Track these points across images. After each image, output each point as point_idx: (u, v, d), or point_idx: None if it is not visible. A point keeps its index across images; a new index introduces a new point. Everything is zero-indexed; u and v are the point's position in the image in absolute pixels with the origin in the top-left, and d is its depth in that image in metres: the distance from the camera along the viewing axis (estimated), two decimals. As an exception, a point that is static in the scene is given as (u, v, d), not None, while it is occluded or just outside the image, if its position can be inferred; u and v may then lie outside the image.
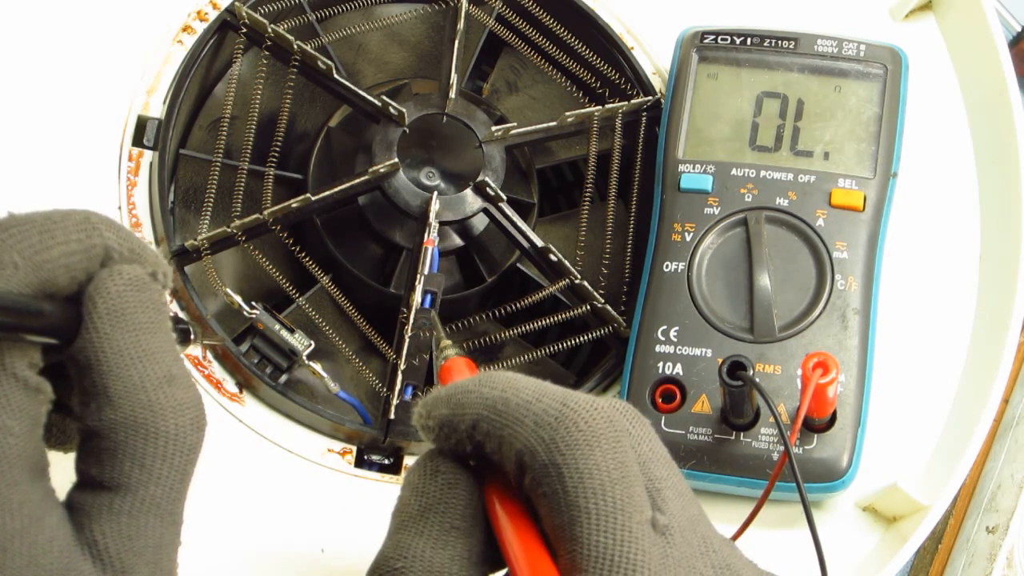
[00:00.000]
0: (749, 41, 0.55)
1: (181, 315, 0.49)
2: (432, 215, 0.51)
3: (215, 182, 0.51)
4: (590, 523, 0.30)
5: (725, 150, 0.53)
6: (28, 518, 0.29)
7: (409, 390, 0.49)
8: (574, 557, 0.30)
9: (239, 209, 0.51)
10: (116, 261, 0.31)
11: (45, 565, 0.29)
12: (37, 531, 0.29)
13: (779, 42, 0.55)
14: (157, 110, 0.52)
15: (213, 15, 0.54)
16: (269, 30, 0.53)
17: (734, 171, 0.53)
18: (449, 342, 0.40)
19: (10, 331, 0.28)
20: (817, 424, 0.48)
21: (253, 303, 0.49)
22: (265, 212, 0.50)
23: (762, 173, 0.52)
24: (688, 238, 0.52)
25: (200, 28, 0.54)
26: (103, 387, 0.30)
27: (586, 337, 0.53)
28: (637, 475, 0.31)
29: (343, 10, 0.57)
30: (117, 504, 0.30)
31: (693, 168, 0.53)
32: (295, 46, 0.53)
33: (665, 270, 0.51)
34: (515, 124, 0.55)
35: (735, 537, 0.42)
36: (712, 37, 0.55)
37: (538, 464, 0.30)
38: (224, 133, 0.52)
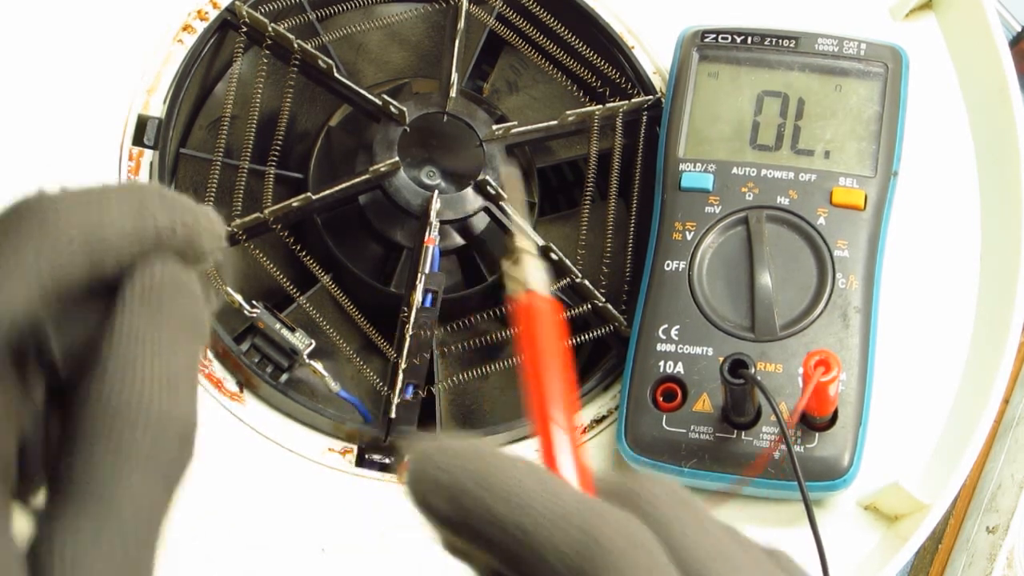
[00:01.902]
0: (750, 40, 0.55)
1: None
2: (433, 214, 0.51)
3: (215, 181, 0.51)
4: None
5: (726, 149, 0.53)
6: None
7: (410, 389, 0.49)
8: None
9: (240, 208, 0.51)
10: (164, 248, 0.27)
11: None
12: None
13: (780, 41, 0.55)
14: (157, 109, 0.52)
15: (213, 14, 0.54)
16: (269, 29, 0.53)
17: (735, 170, 0.53)
18: (526, 244, 0.31)
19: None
20: (818, 423, 0.48)
21: (254, 302, 0.49)
22: (266, 211, 0.50)
23: (763, 172, 0.52)
24: (689, 237, 0.52)
25: (200, 27, 0.54)
26: (102, 377, 0.25)
27: (587, 336, 0.53)
28: None
29: (343, 9, 0.57)
30: (79, 523, 0.24)
31: (694, 167, 0.53)
32: (295, 45, 0.53)
33: (666, 269, 0.51)
34: (516, 123, 0.55)
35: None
36: (713, 36, 0.55)
37: None
38: (224, 132, 0.52)
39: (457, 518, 0.27)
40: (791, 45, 0.55)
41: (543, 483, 0.27)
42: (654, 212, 0.53)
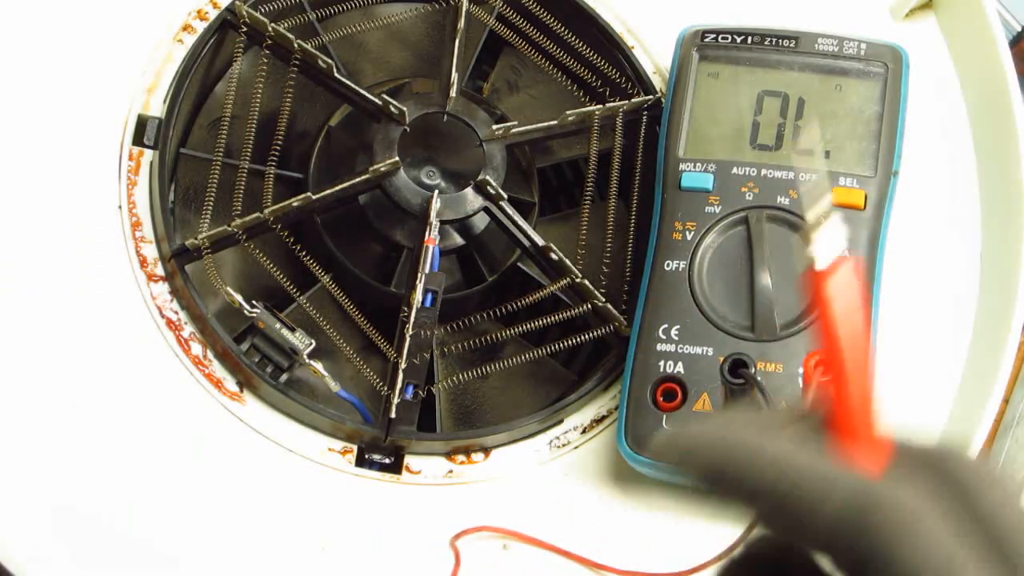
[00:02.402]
0: (750, 40, 0.55)
1: (182, 317, 0.49)
2: (433, 214, 0.51)
3: (215, 181, 0.51)
4: None
5: (726, 149, 0.53)
6: None
7: (410, 389, 0.49)
8: None
9: (240, 208, 0.51)
10: None
11: None
12: None
13: (780, 41, 0.55)
14: (157, 109, 0.52)
15: (213, 14, 0.54)
16: (269, 29, 0.53)
17: (735, 170, 0.53)
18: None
19: None
20: None
21: (254, 302, 0.49)
22: (266, 211, 0.50)
23: (763, 172, 0.52)
24: (689, 237, 0.52)
25: (200, 27, 0.54)
26: None
27: (587, 336, 0.53)
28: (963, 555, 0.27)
29: (343, 9, 0.57)
30: None
31: (694, 167, 0.53)
32: (295, 45, 0.53)
33: (666, 269, 0.51)
34: (516, 123, 0.55)
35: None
36: (713, 36, 0.55)
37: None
38: (224, 132, 0.52)
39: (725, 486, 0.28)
40: (791, 45, 0.55)
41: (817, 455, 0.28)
42: (654, 212, 0.53)
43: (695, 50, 0.55)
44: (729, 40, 0.55)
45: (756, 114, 0.54)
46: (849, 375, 0.30)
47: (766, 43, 0.55)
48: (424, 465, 0.50)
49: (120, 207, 0.50)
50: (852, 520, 0.26)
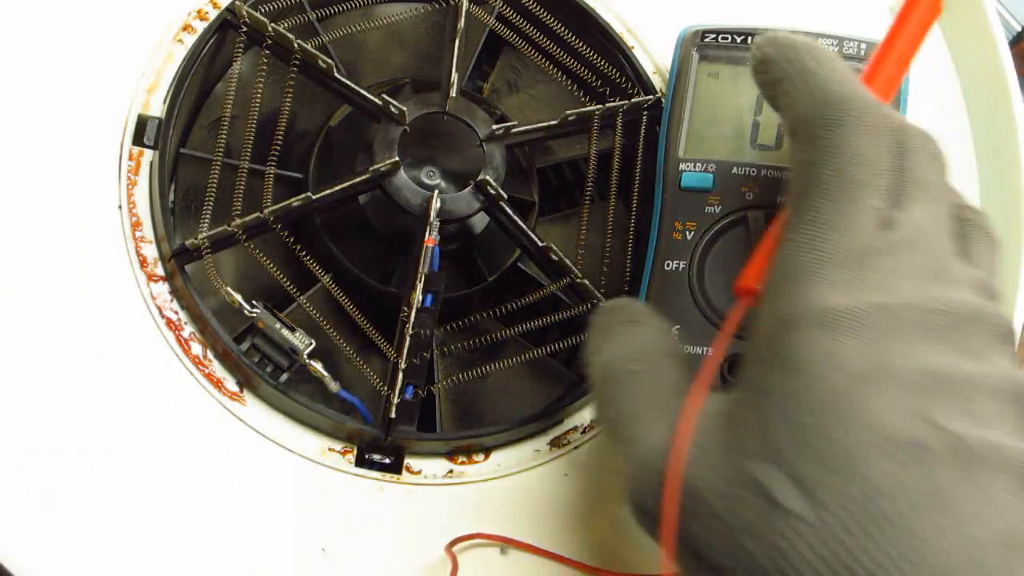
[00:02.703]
0: (750, 40, 0.55)
1: (183, 316, 0.49)
2: (433, 214, 0.51)
3: (215, 181, 0.51)
4: (819, 188, 0.37)
5: (726, 148, 0.53)
6: None
7: (410, 389, 0.49)
8: (790, 216, 0.38)
9: (239, 208, 0.51)
10: None
11: None
12: None
13: None
14: (157, 109, 0.52)
15: (213, 14, 0.54)
16: (269, 29, 0.53)
17: (735, 170, 0.53)
18: None
19: None
20: None
21: (254, 302, 0.49)
22: (266, 211, 0.50)
23: (763, 172, 0.52)
24: (689, 237, 0.52)
25: (200, 27, 0.54)
26: None
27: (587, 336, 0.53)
28: (882, 170, 0.37)
29: (343, 9, 0.57)
30: None
31: (694, 167, 0.53)
32: (295, 45, 0.53)
33: (666, 269, 0.51)
34: (516, 123, 0.55)
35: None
36: (713, 36, 0.55)
37: (805, 133, 0.38)
38: (224, 132, 0.52)
39: (771, 62, 0.42)
40: None
41: (842, 69, 0.41)
42: (654, 212, 0.53)
43: (695, 50, 0.55)
44: (729, 40, 0.55)
45: (756, 114, 0.54)
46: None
47: None
48: (424, 465, 0.50)
49: (120, 207, 0.50)
50: (828, 108, 0.39)
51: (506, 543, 0.48)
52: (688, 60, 0.55)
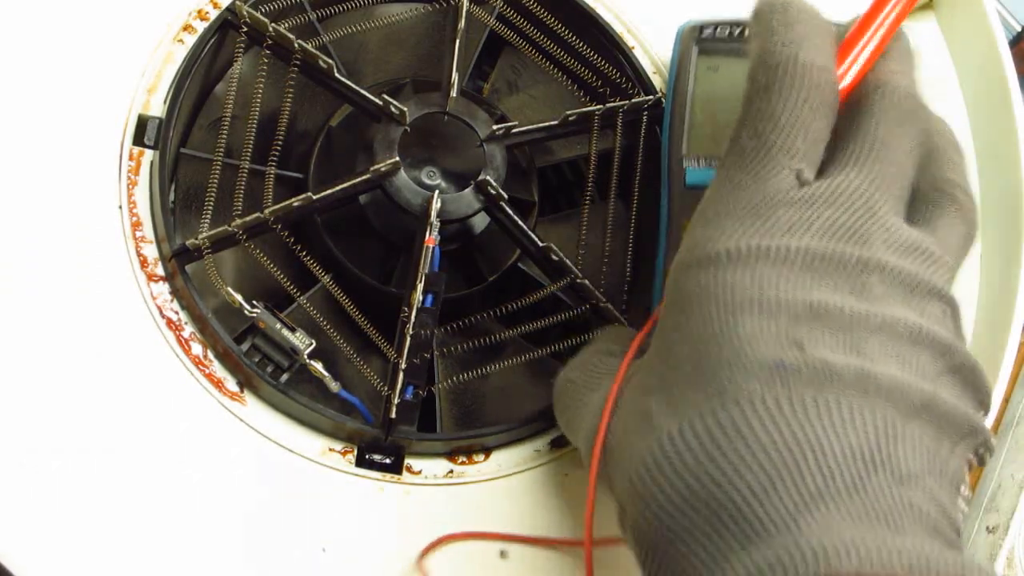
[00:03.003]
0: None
1: (183, 317, 0.49)
2: (433, 214, 0.51)
3: (216, 181, 0.51)
4: (735, 149, 0.40)
5: None
6: None
7: (410, 389, 0.49)
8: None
9: (240, 208, 0.51)
10: None
11: None
12: None
13: None
14: (158, 109, 0.52)
15: (214, 14, 0.54)
16: (270, 29, 0.53)
17: None
18: None
19: None
20: None
21: (254, 302, 0.49)
22: (266, 211, 0.50)
23: None
24: None
25: (201, 27, 0.54)
26: None
27: (587, 336, 0.53)
28: (803, 132, 0.39)
29: (343, 9, 0.57)
30: None
31: (699, 163, 0.53)
32: (296, 45, 0.53)
33: None
34: (516, 123, 0.55)
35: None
36: (711, 29, 0.55)
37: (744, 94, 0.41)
38: (225, 132, 0.52)
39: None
40: None
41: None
42: (660, 211, 0.53)
43: (694, 44, 0.55)
44: (728, 33, 0.55)
45: None
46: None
47: None
48: (424, 465, 0.50)
49: (120, 207, 0.50)
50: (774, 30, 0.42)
51: (476, 538, 0.48)
52: (688, 55, 0.55)
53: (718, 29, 0.55)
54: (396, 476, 0.49)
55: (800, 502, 0.32)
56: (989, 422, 0.51)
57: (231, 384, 0.49)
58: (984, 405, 0.38)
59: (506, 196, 0.53)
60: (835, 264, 0.37)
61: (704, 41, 0.55)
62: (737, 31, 0.55)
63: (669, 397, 0.36)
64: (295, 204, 0.51)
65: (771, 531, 0.32)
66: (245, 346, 0.50)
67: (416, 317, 0.49)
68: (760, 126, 0.39)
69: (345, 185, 0.52)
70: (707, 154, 0.53)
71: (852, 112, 0.41)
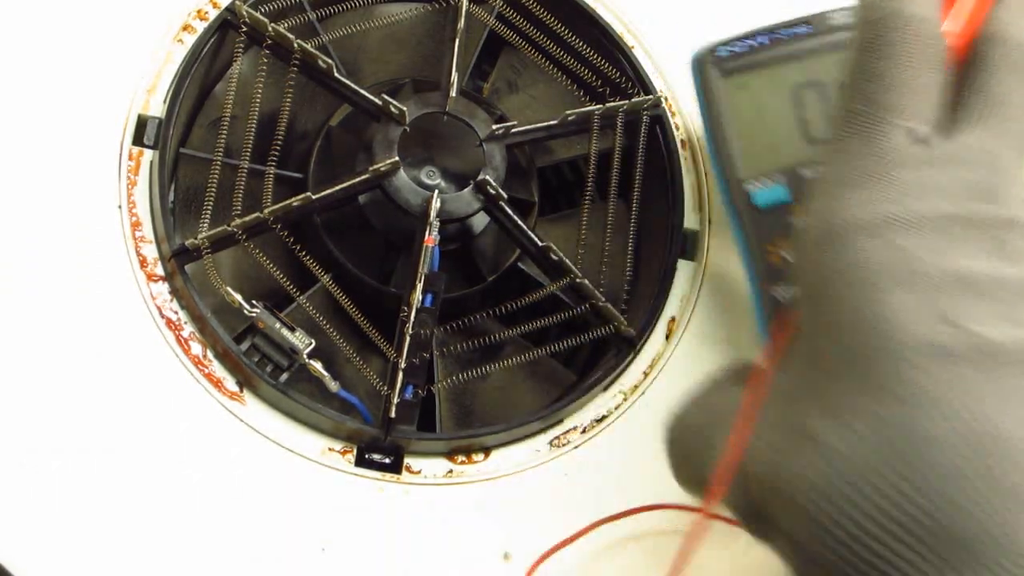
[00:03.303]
0: (766, 40, 0.52)
1: (181, 321, 0.49)
2: (433, 213, 0.51)
3: (215, 181, 0.51)
4: (845, 115, 0.37)
5: (784, 154, 0.50)
6: None
7: (410, 389, 0.49)
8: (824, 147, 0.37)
9: (240, 208, 0.51)
10: None
11: None
12: None
13: (794, 30, 0.52)
14: (157, 109, 0.52)
15: (213, 14, 0.54)
16: (269, 29, 0.53)
17: (802, 170, 0.50)
18: None
19: None
20: None
21: (254, 302, 0.49)
22: (266, 211, 0.50)
23: None
24: (787, 256, 0.49)
25: (200, 27, 0.54)
26: None
27: (587, 336, 0.53)
28: (916, 89, 0.36)
29: (343, 9, 0.57)
30: None
31: (761, 183, 0.50)
32: (295, 45, 0.53)
33: (781, 299, 0.48)
34: (516, 123, 0.55)
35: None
36: (725, 48, 0.52)
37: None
38: (224, 132, 0.52)
39: None
40: (807, 31, 0.52)
41: None
42: (735, 240, 0.50)
43: (713, 68, 0.52)
44: (743, 47, 0.53)
45: (799, 110, 0.51)
46: None
47: (781, 37, 0.52)
48: (424, 465, 0.50)
49: (120, 207, 0.50)
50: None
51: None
52: (710, 81, 0.52)
53: (731, 46, 0.53)
54: (396, 476, 0.49)
55: (1001, 506, 0.29)
56: None
57: (230, 384, 0.49)
58: None
59: (506, 196, 0.53)
60: (971, 226, 0.34)
61: (723, 62, 0.52)
62: (753, 42, 0.52)
63: (823, 402, 0.33)
64: (295, 204, 0.51)
65: (981, 546, 0.29)
66: (244, 346, 0.50)
67: (415, 317, 0.49)
68: (864, 85, 0.36)
69: (344, 185, 0.52)
70: (766, 170, 0.50)
71: (969, 67, 0.38)
